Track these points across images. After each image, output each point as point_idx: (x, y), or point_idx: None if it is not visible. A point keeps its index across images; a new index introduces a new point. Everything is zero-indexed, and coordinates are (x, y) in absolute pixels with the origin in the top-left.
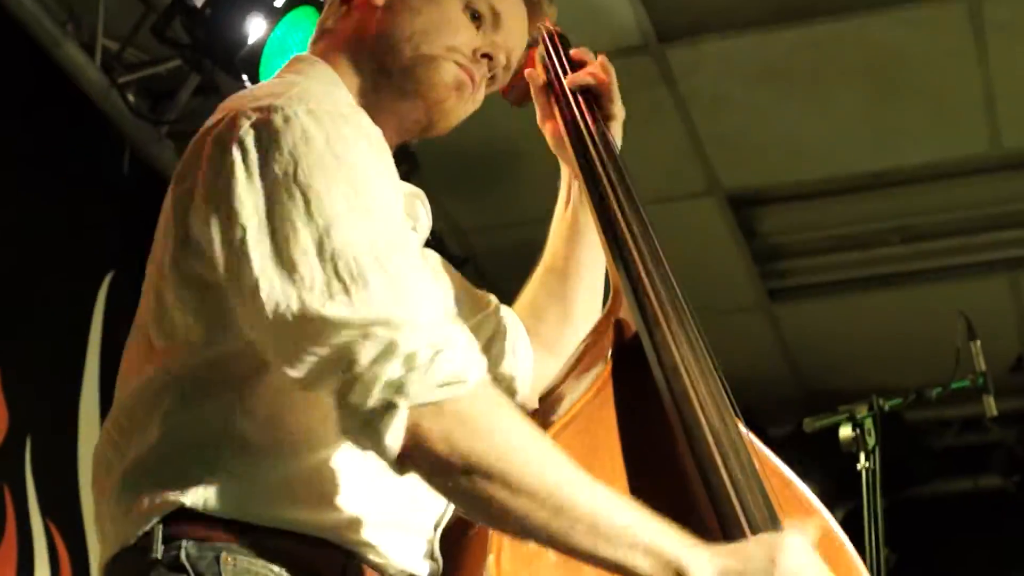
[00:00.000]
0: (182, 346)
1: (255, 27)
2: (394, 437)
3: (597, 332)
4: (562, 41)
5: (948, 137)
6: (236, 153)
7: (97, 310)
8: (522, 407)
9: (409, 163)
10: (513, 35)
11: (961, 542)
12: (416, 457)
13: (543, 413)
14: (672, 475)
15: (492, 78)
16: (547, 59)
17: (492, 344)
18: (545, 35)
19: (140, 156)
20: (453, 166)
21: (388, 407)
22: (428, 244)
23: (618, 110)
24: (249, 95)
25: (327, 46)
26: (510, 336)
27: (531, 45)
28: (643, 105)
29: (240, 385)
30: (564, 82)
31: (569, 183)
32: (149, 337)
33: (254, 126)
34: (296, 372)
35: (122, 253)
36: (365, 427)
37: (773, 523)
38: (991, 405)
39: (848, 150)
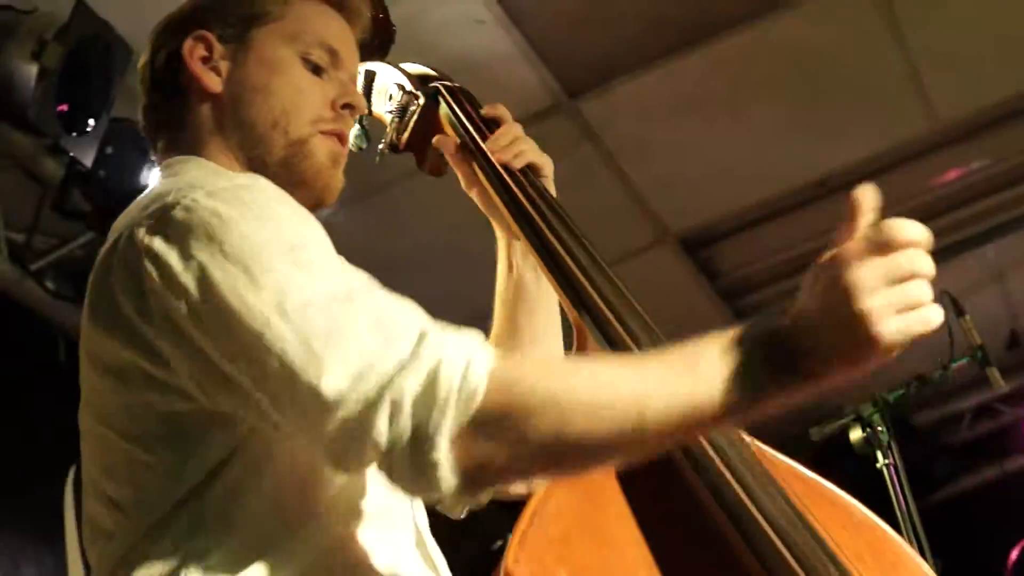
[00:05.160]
0: (151, 492)
1: (151, 176)
2: (450, 478)
3: None
4: (466, 97)
5: (883, 124)
6: (149, 265)
7: (68, 506)
8: None
9: None
10: (351, 59)
11: (1002, 531)
12: (486, 478)
13: None
14: (686, 508)
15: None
16: (456, 120)
17: None
18: (447, 94)
19: (75, 339)
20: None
21: (428, 455)
22: None
23: (540, 158)
24: (133, 210)
25: (190, 144)
26: None
27: (433, 106)
28: (570, 166)
29: (229, 499)
30: (480, 143)
31: (508, 246)
32: (108, 503)
33: (153, 231)
34: (329, 457)
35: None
36: (419, 483)
37: (802, 524)
38: (996, 377)
39: (786, 163)
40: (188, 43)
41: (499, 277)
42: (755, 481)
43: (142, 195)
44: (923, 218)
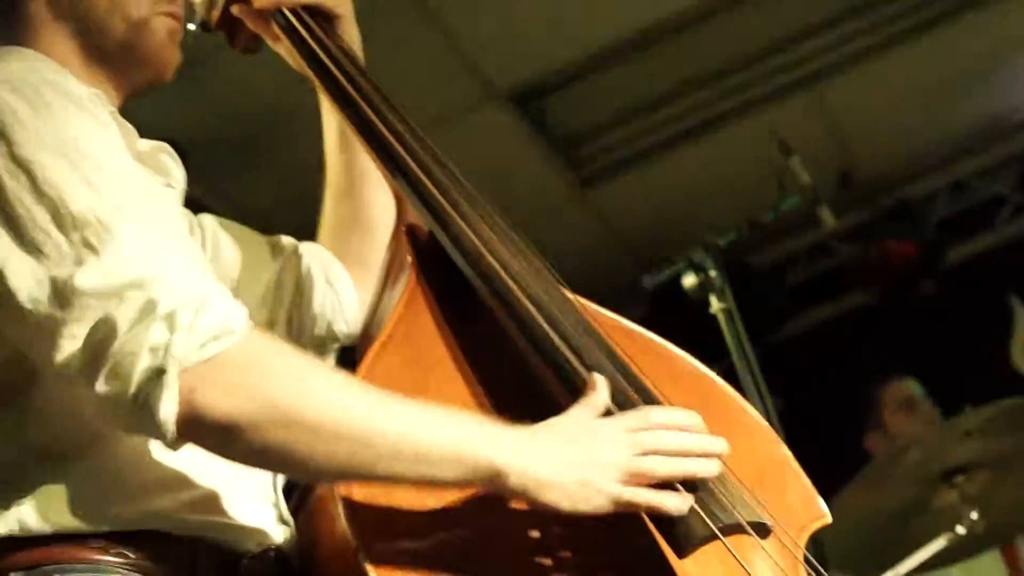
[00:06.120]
0: None
1: None
2: (168, 407)
3: (394, 242)
4: None
5: None
6: None
7: None
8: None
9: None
10: None
11: (841, 368)
12: (199, 427)
13: (369, 337)
14: (511, 365)
15: None
16: None
17: (302, 284)
18: None
19: None
20: (227, 150)
21: (157, 374)
22: None
23: (334, 6)
24: None
25: (22, 35)
26: (318, 270)
27: None
28: (393, 27)
29: (18, 397)
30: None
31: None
32: None
33: None
34: (60, 358)
35: None
36: (135, 404)
37: (626, 378)
38: (827, 216)
39: (613, 11)
40: None
41: (324, 124)
42: (569, 325)
43: None
44: (749, 62)
